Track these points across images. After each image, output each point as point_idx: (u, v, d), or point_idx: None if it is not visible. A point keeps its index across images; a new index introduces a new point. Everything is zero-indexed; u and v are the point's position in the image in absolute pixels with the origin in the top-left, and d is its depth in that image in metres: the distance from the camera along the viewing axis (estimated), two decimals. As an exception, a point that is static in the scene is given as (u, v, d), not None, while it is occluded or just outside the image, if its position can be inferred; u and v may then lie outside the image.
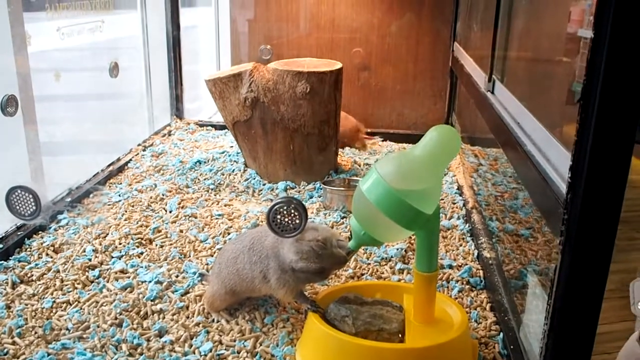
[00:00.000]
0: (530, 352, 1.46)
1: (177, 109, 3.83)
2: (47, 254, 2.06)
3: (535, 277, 1.58)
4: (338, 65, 2.75)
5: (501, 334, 1.64)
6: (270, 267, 1.58)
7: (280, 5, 3.62)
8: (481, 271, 1.99)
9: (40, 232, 2.21)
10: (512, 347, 1.55)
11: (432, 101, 3.68)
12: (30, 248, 2.09)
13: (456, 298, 1.84)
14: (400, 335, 1.50)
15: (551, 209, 1.23)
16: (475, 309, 1.78)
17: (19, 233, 2.14)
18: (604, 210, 1.01)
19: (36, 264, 1.98)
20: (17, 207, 1.29)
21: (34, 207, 1.28)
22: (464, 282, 1.93)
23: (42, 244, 2.11)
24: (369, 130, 3.64)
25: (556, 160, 1.33)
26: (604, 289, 1.07)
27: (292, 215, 1.43)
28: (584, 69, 0.97)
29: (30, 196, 1.28)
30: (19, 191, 1.27)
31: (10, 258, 2.02)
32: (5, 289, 1.83)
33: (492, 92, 2.16)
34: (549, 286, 1.14)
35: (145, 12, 3.44)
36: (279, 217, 1.44)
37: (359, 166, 3.00)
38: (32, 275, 1.91)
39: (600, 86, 0.94)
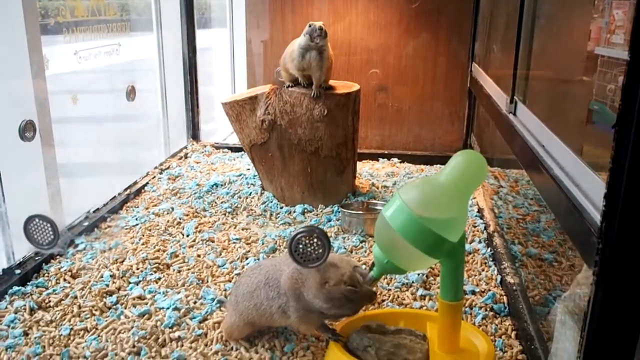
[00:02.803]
0: (559, 383, 1.41)
1: (194, 131, 3.83)
2: (64, 279, 2.04)
3: (562, 304, 1.54)
4: (355, 87, 2.73)
5: (528, 364, 1.59)
6: (291, 306, 1.53)
7: (295, 27, 3.62)
8: (505, 297, 1.94)
9: (57, 257, 2.20)
10: (540, 377, 1.50)
11: (449, 122, 3.65)
12: (48, 273, 2.08)
13: (480, 325, 1.79)
14: (424, 366, 1.46)
15: (583, 237, 1.19)
16: (500, 337, 1.73)
17: (36, 258, 2.13)
18: (642, 240, 0.98)
19: (54, 290, 1.96)
20: (35, 236, 1.27)
21: (52, 236, 1.27)
22: (488, 309, 1.88)
23: (59, 269, 2.09)
24: (385, 151, 3.62)
25: (587, 186, 1.29)
26: (642, 322, 1.03)
27: (315, 245, 1.40)
28: (601, 87, 0.94)
29: (49, 225, 1.26)
30: (37, 220, 1.26)
31: (28, 284, 2.00)
32: (23, 315, 1.81)
33: (514, 114, 2.13)
34: (582, 315, 1.10)
35: (161, 35, 3.45)
36: (301, 246, 1.40)
37: (377, 189, 2.97)
38: (50, 302, 1.89)
39: (637, 112, 0.91)
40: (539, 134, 1.79)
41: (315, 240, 1.40)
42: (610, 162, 0.97)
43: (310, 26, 2.57)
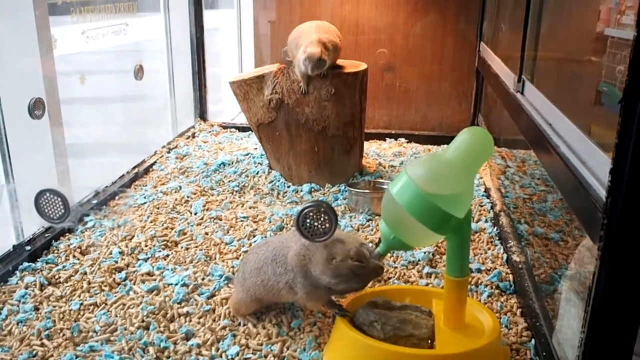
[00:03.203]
0: (563, 359, 1.42)
1: (201, 111, 3.83)
2: (74, 256, 2.06)
3: (568, 282, 1.55)
4: (363, 66, 2.73)
5: (533, 340, 1.60)
6: (298, 282, 1.54)
7: (303, 6, 3.61)
8: (511, 275, 1.95)
9: (67, 234, 2.22)
10: (544, 354, 1.51)
11: (457, 102, 3.64)
12: (58, 250, 2.10)
13: (485, 303, 1.80)
14: (430, 341, 1.48)
15: (589, 213, 1.19)
16: (506, 314, 1.74)
17: (46, 235, 2.15)
18: (647, 214, 0.98)
19: (63, 266, 1.99)
20: (46, 210, 1.29)
21: (63, 210, 1.28)
22: (494, 287, 1.89)
23: (69, 246, 2.12)
24: (393, 131, 3.63)
25: (593, 163, 1.29)
26: (645, 296, 1.04)
27: (322, 219, 1.41)
28: (611, 68, 0.94)
29: (59, 199, 1.27)
30: (48, 194, 1.27)
31: (38, 260, 2.02)
32: (33, 291, 1.84)
33: (522, 93, 2.12)
34: (586, 292, 1.11)
35: (169, 15, 3.45)
36: (308, 221, 1.41)
37: (384, 168, 2.97)
38: (60, 277, 1.92)
39: (644, 87, 0.91)
40: (546, 112, 1.79)
41: (322, 214, 1.41)
42: (616, 137, 0.97)
43: (305, 60, 2.51)
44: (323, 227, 1.41)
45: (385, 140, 3.59)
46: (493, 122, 3.12)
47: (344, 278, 1.46)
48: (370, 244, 1.55)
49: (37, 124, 2.18)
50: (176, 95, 3.60)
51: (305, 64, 2.50)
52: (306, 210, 1.40)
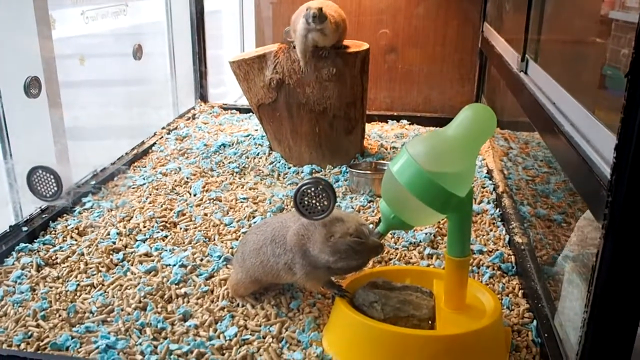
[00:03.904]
0: (566, 340, 1.40)
1: (202, 92, 3.80)
2: (71, 237, 2.04)
3: (570, 263, 1.53)
4: (365, 46, 2.69)
5: (534, 322, 1.58)
6: (297, 262, 1.52)
7: (305, -13, 3.56)
8: (513, 257, 1.93)
9: (65, 214, 2.20)
10: (546, 335, 1.49)
11: (460, 84, 3.60)
12: (55, 231, 2.08)
13: (487, 284, 1.78)
14: (430, 322, 1.46)
15: (592, 191, 1.17)
16: (508, 296, 1.72)
17: (43, 216, 2.13)
18: (652, 191, 0.96)
19: (61, 247, 1.97)
20: (39, 188, 1.26)
21: (56, 188, 1.25)
22: (495, 268, 1.87)
23: (66, 226, 2.10)
24: (395, 113, 3.60)
25: (597, 140, 1.26)
26: (650, 275, 1.01)
27: (320, 196, 1.38)
28: (615, 52, 0.91)
29: (52, 177, 1.25)
30: (40, 171, 1.25)
31: (35, 241, 2.01)
32: (30, 272, 1.82)
33: (526, 72, 2.09)
34: (590, 272, 1.09)
35: (169, -4, 3.42)
36: (306, 199, 1.39)
37: (386, 150, 2.94)
38: (57, 258, 1.90)
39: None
40: (550, 91, 1.76)
41: (320, 191, 1.38)
42: (622, 111, 0.94)
43: (307, 10, 2.49)
44: (321, 204, 1.39)
45: (387, 122, 3.56)
46: (496, 104, 3.08)
47: (343, 255, 1.44)
48: (371, 225, 1.52)
49: (36, 103, 2.16)
50: (177, 77, 3.57)
51: (306, 14, 2.47)
52: (304, 187, 1.37)
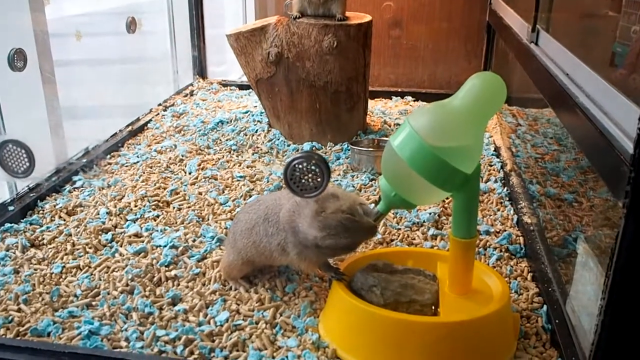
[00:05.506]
0: (578, 327, 1.31)
1: (200, 68, 3.69)
2: (59, 217, 1.96)
3: (584, 245, 1.43)
4: (367, 18, 2.58)
5: (545, 307, 1.49)
6: (289, 241, 1.43)
7: (307, -41, 3.44)
8: (521, 238, 1.84)
9: (53, 194, 2.11)
10: (557, 321, 1.40)
11: (466, 59, 3.50)
12: (43, 210, 1.99)
13: (494, 266, 1.69)
14: (433, 308, 1.37)
15: (613, 167, 1.07)
16: (516, 279, 1.63)
17: (31, 195, 2.05)
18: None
19: (48, 227, 1.89)
20: (9, 164, 1.17)
21: (27, 164, 1.16)
22: (503, 250, 1.78)
23: (55, 206, 2.01)
24: (399, 89, 3.49)
25: (617, 112, 1.16)
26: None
27: (313, 172, 1.28)
28: (626, 29, 0.81)
29: (23, 151, 1.15)
30: (11, 145, 1.15)
31: (21, 221, 1.92)
32: (14, 253, 1.74)
33: (536, 43, 1.98)
34: (608, 255, 0.99)
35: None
36: (297, 174, 1.28)
37: (389, 127, 2.84)
38: (43, 239, 1.81)
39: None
40: (563, 61, 1.66)
41: (313, 167, 1.28)
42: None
43: None
44: (314, 181, 1.28)
45: (391, 98, 3.45)
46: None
47: (332, 231, 1.33)
48: (372, 205, 1.43)
49: (29, 79, 2.09)
50: (177, 54, 3.48)
51: None
52: (295, 162, 1.27)
